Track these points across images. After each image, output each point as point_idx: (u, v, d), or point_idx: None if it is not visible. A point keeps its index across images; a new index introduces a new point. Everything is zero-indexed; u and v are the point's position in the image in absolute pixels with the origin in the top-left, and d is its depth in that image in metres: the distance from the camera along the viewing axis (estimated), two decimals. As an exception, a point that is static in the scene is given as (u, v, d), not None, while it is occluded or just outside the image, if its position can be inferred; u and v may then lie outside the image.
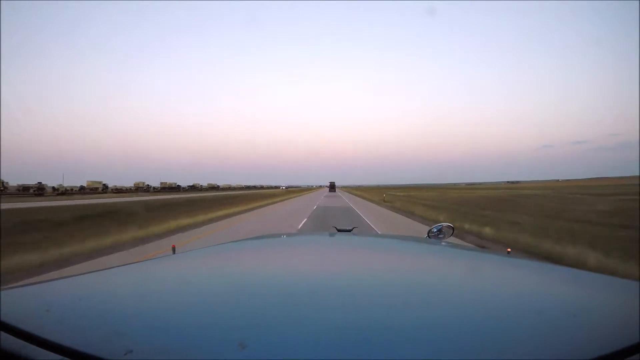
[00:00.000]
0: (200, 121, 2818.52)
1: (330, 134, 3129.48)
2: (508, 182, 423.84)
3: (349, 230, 1.78)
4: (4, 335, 0.47)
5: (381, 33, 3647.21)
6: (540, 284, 0.81)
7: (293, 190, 79.21)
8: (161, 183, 75.94)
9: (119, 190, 59.91)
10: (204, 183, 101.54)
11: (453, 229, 1.90)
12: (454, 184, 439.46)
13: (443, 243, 1.46)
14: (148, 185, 72.03)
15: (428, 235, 1.83)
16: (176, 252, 1.23)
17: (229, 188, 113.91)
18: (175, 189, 77.73)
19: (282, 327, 0.53)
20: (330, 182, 73.67)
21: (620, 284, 0.77)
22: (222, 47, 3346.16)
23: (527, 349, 0.46)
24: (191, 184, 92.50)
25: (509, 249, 1.64)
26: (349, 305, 0.62)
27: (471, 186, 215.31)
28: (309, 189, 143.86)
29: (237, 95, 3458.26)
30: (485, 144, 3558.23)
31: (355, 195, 46.94)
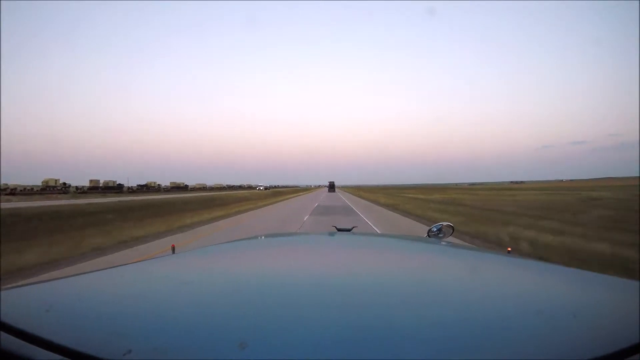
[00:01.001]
0: (198, 121, 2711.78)
1: (330, 134, 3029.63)
2: (512, 182, 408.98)
3: (349, 230, 1.77)
4: (4, 335, 0.46)
5: (381, 33, 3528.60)
6: (540, 283, 0.81)
7: (283, 192, 61.07)
8: (90, 181, 56.18)
9: (11, 192, 41.95)
10: (166, 182, 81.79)
11: (453, 228, 1.87)
12: (456, 184, 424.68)
13: (443, 242, 1.47)
14: (65, 183, 51.83)
15: (428, 235, 1.82)
16: (176, 251, 1.22)
17: (203, 188, 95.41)
18: (114, 189, 58.71)
19: (282, 326, 0.52)
20: (330, 182, 71.13)
21: (620, 284, 0.76)
22: (221, 47, 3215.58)
23: (527, 349, 0.46)
24: (143, 183, 72.49)
25: (509, 249, 1.64)
26: (349, 304, 0.62)
27: (474, 186, 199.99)
28: (307, 189, 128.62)
29: (235, 95, 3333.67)
30: (485, 144, 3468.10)
31: (367, 199, 31.13)
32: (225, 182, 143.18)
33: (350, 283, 0.77)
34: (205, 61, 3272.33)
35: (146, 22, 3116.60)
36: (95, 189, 55.81)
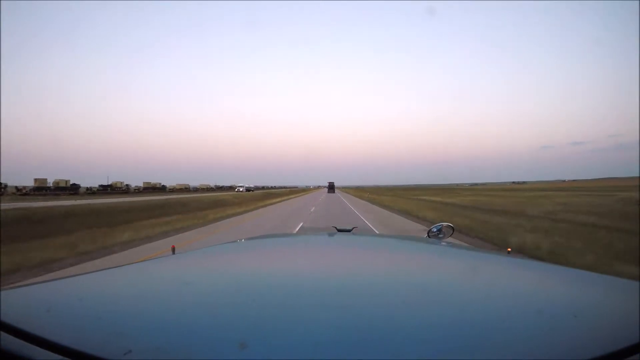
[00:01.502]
0: (197, 121, 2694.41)
1: (330, 134, 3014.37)
2: (513, 182, 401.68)
3: (349, 230, 1.77)
4: (4, 335, 0.46)
5: (381, 33, 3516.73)
6: (540, 284, 0.81)
7: (275, 193, 52.00)
8: (35, 180, 43.09)
9: None
10: (139, 182, 70.93)
11: (453, 229, 1.88)
12: (456, 185, 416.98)
13: (443, 243, 1.48)
14: (0, 183, 45.04)
15: (428, 235, 1.82)
16: (176, 252, 1.23)
17: (186, 189, 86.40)
18: (68, 189, 48.75)
19: (282, 327, 0.52)
20: (329, 183, 70.09)
21: (620, 284, 0.76)
22: (221, 47, 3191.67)
23: (527, 349, 0.46)
24: (108, 183, 60.38)
25: (509, 249, 1.63)
26: (349, 305, 0.62)
27: (475, 187, 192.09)
28: (305, 189, 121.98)
29: (234, 95, 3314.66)
30: (485, 144, 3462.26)
31: (383, 206, 23.32)
32: (223, 182, 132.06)
33: (350, 283, 0.78)
34: (205, 61, 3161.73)
35: (146, 22, 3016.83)
36: (41, 189, 46.79)
